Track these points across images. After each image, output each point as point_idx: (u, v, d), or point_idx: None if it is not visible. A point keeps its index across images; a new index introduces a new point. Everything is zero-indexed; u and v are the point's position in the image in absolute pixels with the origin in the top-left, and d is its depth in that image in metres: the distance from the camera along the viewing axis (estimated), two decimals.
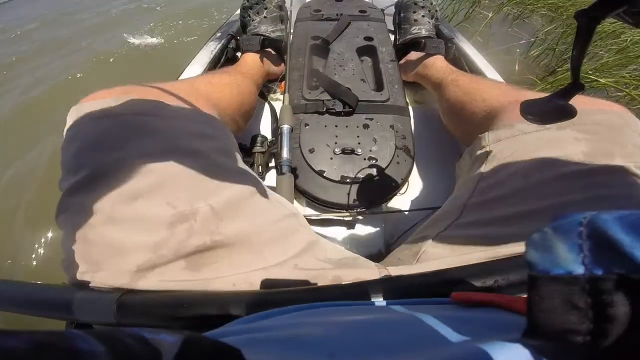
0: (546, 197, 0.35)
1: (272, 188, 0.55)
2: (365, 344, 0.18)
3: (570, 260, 0.12)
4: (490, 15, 1.76)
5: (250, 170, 0.42)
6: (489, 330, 0.17)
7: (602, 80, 1.25)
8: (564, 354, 0.12)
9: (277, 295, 0.30)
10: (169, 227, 0.31)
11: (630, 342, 0.10)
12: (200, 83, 0.48)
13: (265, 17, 0.74)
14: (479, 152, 0.45)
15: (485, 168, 0.42)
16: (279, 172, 0.56)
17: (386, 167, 0.58)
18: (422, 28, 0.78)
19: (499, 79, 0.71)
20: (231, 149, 0.41)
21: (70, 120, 0.36)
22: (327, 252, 0.40)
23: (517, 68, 1.46)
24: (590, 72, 1.31)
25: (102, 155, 0.33)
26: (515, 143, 0.41)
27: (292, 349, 0.18)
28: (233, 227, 0.34)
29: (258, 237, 0.35)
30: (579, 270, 0.11)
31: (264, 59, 0.70)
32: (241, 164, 0.41)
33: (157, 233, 0.31)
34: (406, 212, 0.60)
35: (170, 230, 0.31)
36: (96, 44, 1.74)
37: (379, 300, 0.28)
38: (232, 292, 0.31)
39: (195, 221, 0.32)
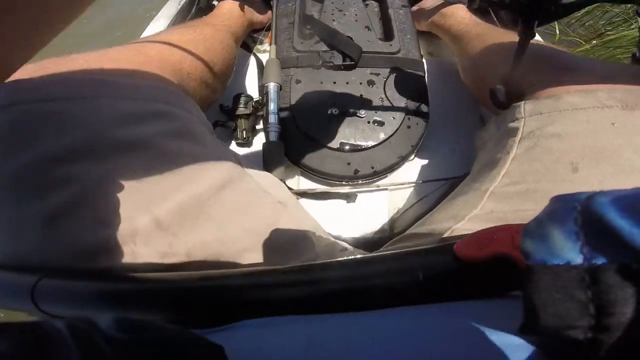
0: None
1: (258, 157, 0.46)
2: (348, 335, 0.17)
3: (568, 249, 0.11)
4: None
5: (220, 149, 0.33)
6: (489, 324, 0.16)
7: None
8: (563, 351, 0.11)
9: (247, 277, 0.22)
10: (106, 253, 0.23)
11: (636, 337, 0.09)
12: (151, 45, 0.37)
13: None
14: (510, 124, 0.35)
15: (518, 147, 0.32)
16: (267, 139, 0.47)
17: (395, 132, 0.48)
18: None
19: (538, 38, 0.57)
20: (191, 127, 0.31)
21: None
22: (320, 250, 0.32)
23: (557, 30, 1.27)
24: None
25: (9, 154, 0.24)
26: (563, 120, 0.30)
27: (269, 333, 0.18)
28: (192, 242, 0.26)
29: (228, 249, 0.27)
30: (578, 259, 0.11)
31: (245, 6, 0.58)
32: (207, 144, 0.32)
33: (92, 260, 0.23)
34: (414, 184, 0.50)
35: (106, 256, 0.24)
36: None
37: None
38: (197, 275, 0.23)
39: (135, 244, 0.24)
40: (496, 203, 0.31)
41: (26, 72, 0.27)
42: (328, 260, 0.23)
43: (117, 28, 1.44)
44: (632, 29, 1.37)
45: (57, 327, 0.11)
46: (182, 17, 0.64)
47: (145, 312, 0.21)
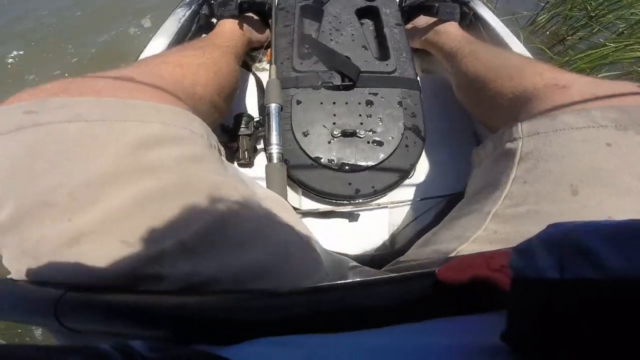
0: (595, 218, 0.26)
1: (260, 178, 0.44)
2: (349, 347, 0.18)
3: (546, 266, 0.12)
4: None
5: (233, 172, 0.32)
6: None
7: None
8: (542, 357, 0.12)
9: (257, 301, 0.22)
10: (131, 273, 0.23)
11: (601, 338, 0.10)
12: (165, 67, 0.36)
13: None
14: (508, 145, 0.34)
15: (517, 169, 0.31)
16: (269, 160, 0.45)
17: (393, 151, 0.47)
18: None
19: (527, 54, 0.58)
20: (205, 152, 0.30)
21: None
22: (329, 268, 0.32)
23: (521, 37, 1.29)
24: (608, 43, 1.13)
25: (27, 183, 0.23)
26: (560, 140, 0.30)
27: (273, 345, 0.18)
28: (215, 264, 0.25)
29: (246, 271, 0.26)
30: (555, 275, 0.12)
31: (245, 25, 0.55)
32: (220, 168, 0.31)
33: (114, 281, 0.23)
34: (413, 201, 0.50)
35: (132, 277, 0.23)
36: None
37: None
38: (213, 295, 0.23)
39: (161, 266, 0.24)
40: (499, 224, 0.30)
41: (46, 91, 0.26)
42: (328, 284, 0.23)
43: None
44: (594, 32, 1.42)
45: (105, 347, 0.12)
46: (182, 34, 0.60)
47: (161, 329, 0.20)
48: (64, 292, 0.21)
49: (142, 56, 0.53)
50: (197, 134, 0.30)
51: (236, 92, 0.49)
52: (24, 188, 0.23)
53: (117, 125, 0.25)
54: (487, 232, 0.30)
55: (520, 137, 0.32)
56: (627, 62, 1.14)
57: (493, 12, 0.74)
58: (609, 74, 1.25)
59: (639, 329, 0.10)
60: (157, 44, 0.55)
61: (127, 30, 1.35)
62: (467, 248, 0.30)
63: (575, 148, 0.29)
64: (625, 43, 1.18)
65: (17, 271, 0.24)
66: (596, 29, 1.40)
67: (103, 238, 0.23)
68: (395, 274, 0.23)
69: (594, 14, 1.37)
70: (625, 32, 1.35)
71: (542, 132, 0.31)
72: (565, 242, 0.12)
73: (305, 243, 0.33)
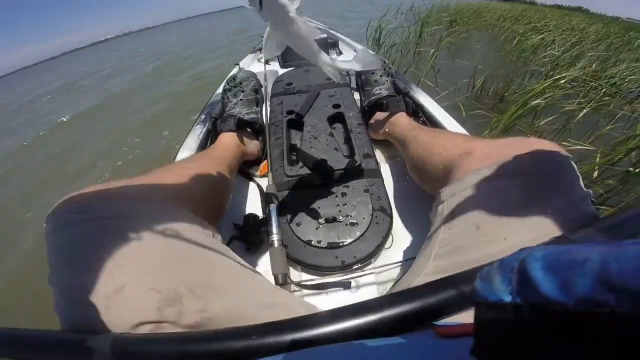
0: (495, 242, 0.37)
1: (266, 260, 0.56)
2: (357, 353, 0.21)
3: (502, 290, 0.14)
4: (432, 51, 1.83)
5: (225, 249, 0.43)
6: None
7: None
8: None
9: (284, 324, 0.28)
10: (157, 310, 0.31)
11: (552, 354, 0.12)
12: (171, 177, 0.47)
13: (241, 99, 0.76)
14: (439, 206, 0.47)
15: (445, 221, 0.44)
16: (271, 246, 0.57)
17: (367, 229, 0.60)
18: (382, 88, 0.81)
19: (455, 124, 0.74)
20: (200, 237, 0.40)
21: (47, 229, 0.35)
22: None
23: (462, 109, 1.43)
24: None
25: (82, 257, 0.32)
26: (467, 196, 0.43)
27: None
28: (219, 304, 0.34)
29: (239, 314, 0.36)
30: (507, 298, 0.13)
31: (241, 137, 0.70)
32: (214, 246, 0.41)
33: (149, 316, 0.31)
34: (394, 265, 0.62)
35: (159, 312, 0.31)
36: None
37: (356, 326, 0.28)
38: (244, 328, 0.28)
39: (182, 304, 0.32)
40: (438, 260, 0.41)
41: (87, 196, 0.36)
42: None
43: None
44: (525, 83, 1.60)
45: None
46: (202, 147, 0.76)
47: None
48: (119, 334, 0.26)
49: None
50: (195, 225, 0.41)
51: (229, 195, 0.60)
52: (80, 261, 0.32)
53: (138, 222, 0.36)
54: (431, 267, 0.42)
55: (445, 200, 0.46)
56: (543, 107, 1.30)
57: (431, 96, 0.92)
58: (550, 117, 1.43)
59: (586, 347, 0.11)
60: (183, 156, 0.71)
61: (154, 143, 1.63)
62: (419, 280, 0.41)
63: (474, 199, 0.41)
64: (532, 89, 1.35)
65: (70, 319, 0.31)
66: (527, 80, 1.62)
67: (139, 287, 0.31)
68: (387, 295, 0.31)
69: (514, 67, 1.59)
70: (548, 74, 1.53)
71: (457, 192, 0.44)
72: (517, 269, 0.13)
73: (289, 301, 0.42)
